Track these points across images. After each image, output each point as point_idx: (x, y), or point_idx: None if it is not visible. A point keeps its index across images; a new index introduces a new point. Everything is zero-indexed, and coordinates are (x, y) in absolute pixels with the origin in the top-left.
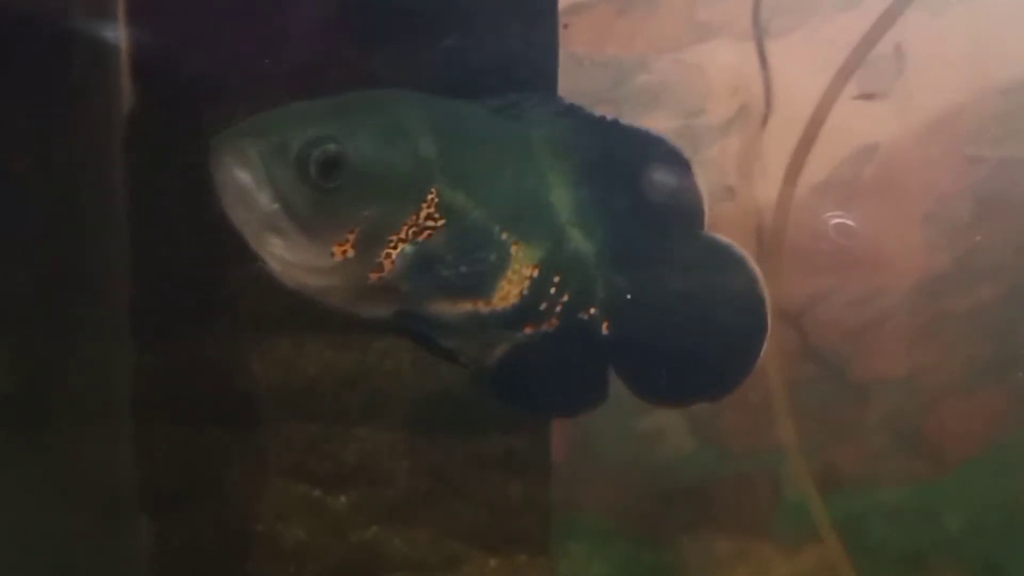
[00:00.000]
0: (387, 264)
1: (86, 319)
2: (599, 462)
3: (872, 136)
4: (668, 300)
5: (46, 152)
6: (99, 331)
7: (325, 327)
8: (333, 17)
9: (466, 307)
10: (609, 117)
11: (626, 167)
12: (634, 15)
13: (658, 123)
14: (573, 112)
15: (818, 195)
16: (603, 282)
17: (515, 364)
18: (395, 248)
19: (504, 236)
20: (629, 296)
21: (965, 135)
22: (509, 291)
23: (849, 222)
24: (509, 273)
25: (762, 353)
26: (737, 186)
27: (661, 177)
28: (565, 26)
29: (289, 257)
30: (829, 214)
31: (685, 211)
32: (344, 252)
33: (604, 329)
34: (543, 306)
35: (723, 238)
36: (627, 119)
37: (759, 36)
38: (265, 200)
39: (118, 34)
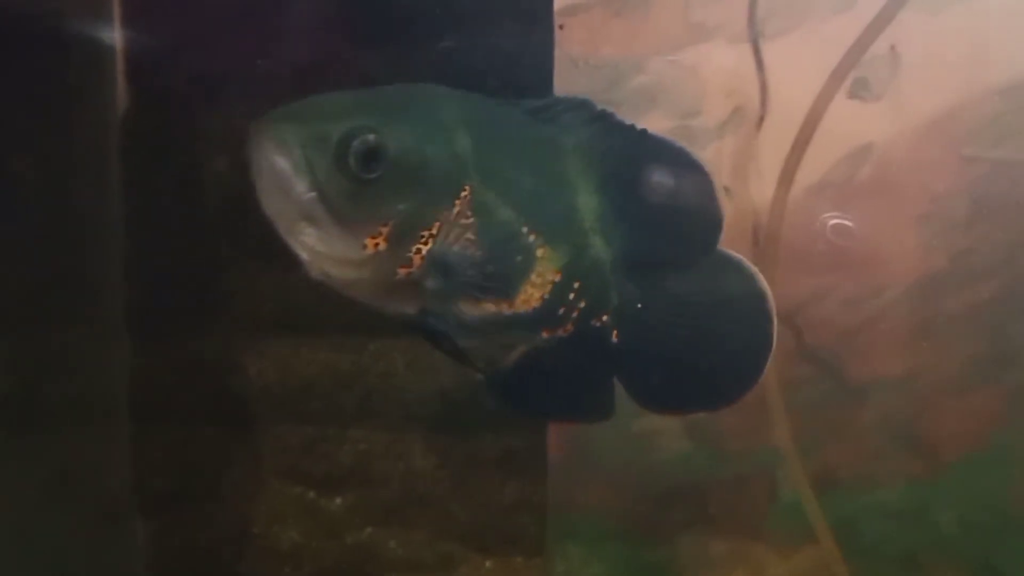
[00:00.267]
0: (416, 260)
1: (82, 320)
2: (595, 463)
3: (867, 137)
4: (677, 312)
5: (43, 153)
6: (95, 332)
7: (321, 329)
8: (329, 18)
9: (488, 308)
10: (638, 126)
11: (650, 178)
12: (629, 16)
13: (654, 124)
14: (604, 119)
15: (813, 196)
16: (616, 290)
17: (527, 369)
18: (426, 244)
19: (531, 239)
20: (640, 305)
21: (960, 136)
22: (531, 294)
23: (845, 222)
24: (533, 276)
25: (766, 369)
26: (732, 187)
27: (682, 190)
28: (561, 27)
29: (320, 248)
30: (827, 215)
31: (703, 225)
32: (376, 245)
33: (613, 337)
34: (561, 311)
35: (735, 253)
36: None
37: (755, 38)
38: (302, 188)
39: (114, 36)
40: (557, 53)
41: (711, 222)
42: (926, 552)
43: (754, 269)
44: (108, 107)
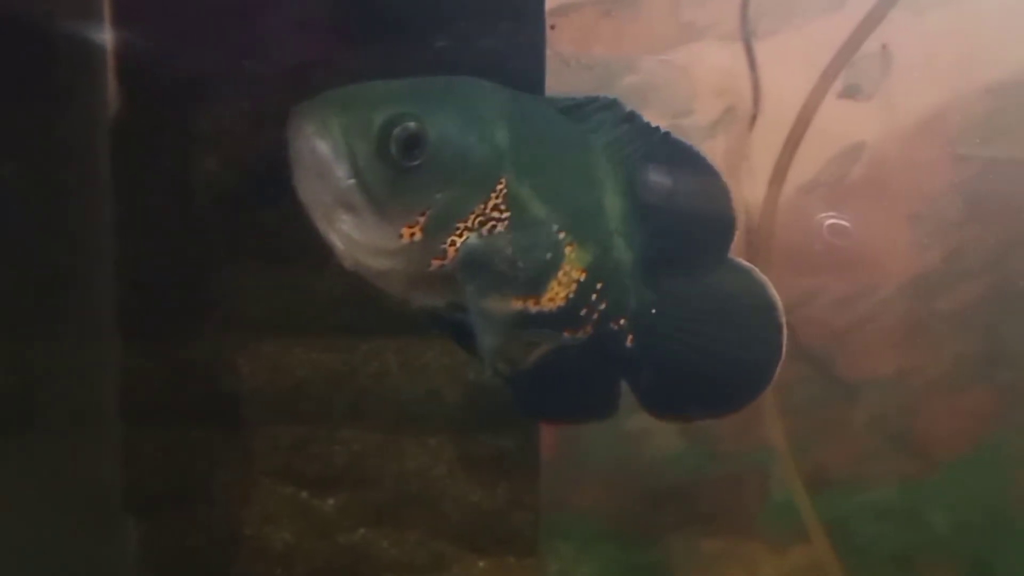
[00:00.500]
0: (450, 251)
1: (73, 321)
2: (588, 462)
3: (859, 136)
4: (690, 319)
5: (33, 154)
6: (86, 333)
7: (313, 329)
8: (320, 18)
9: (516, 305)
10: (662, 129)
11: (671, 182)
12: (620, 16)
13: None
14: (632, 120)
15: (805, 195)
16: (634, 294)
17: (547, 371)
18: (460, 236)
19: (561, 236)
20: (654, 311)
21: (952, 134)
22: (557, 292)
23: (842, 222)
24: (560, 274)
25: (774, 379)
26: None
27: (700, 196)
28: (552, 27)
29: (356, 236)
30: (822, 215)
31: (717, 233)
32: (412, 235)
33: (628, 341)
34: (583, 312)
35: (746, 263)
36: None
37: (747, 37)
38: (342, 174)
39: (105, 36)
40: (549, 53)
41: (724, 229)
42: (919, 551)
43: (765, 279)
44: (99, 107)
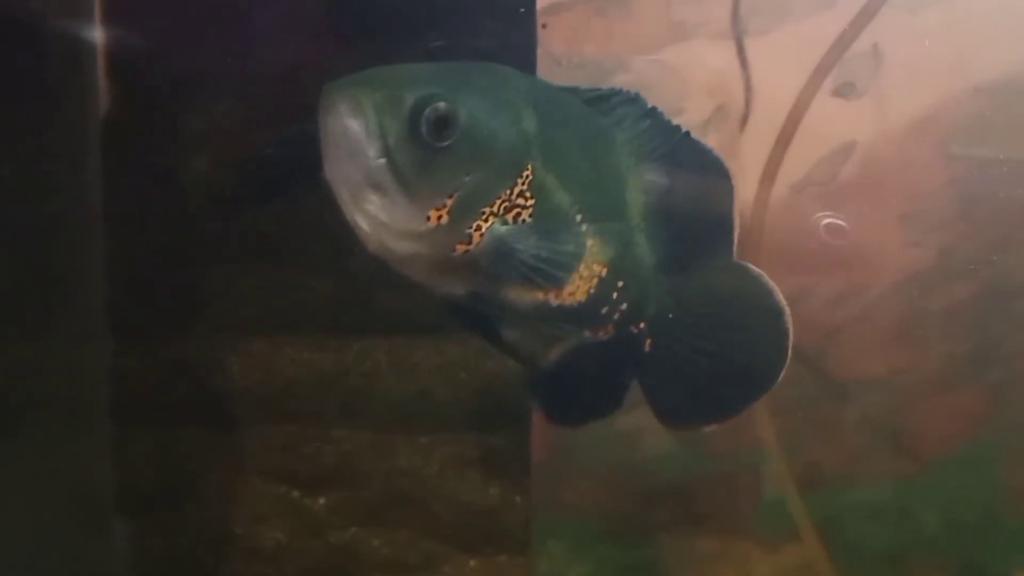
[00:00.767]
0: (476, 236)
1: (62, 320)
2: (580, 462)
3: (850, 135)
4: (703, 324)
5: (23, 153)
6: (76, 332)
7: (304, 329)
8: (311, 18)
9: (536, 297)
10: (683, 128)
11: (688, 183)
12: (612, 15)
13: None
14: (654, 116)
15: (796, 194)
16: (654, 297)
17: (567, 369)
18: (486, 221)
19: (583, 227)
20: (671, 316)
21: (943, 134)
22: (578, 286)
23: (835, 221)
24: (581, 268)
25: (777, 383)
26: None
27: (713, 199)
28: (544, 26)
29: (384, 217)
30: (819, 214)
31: (723, 237)
32: (439, 218)
33: (647, 346)
34: (604, 310)
35: (755, 268)
36: None
37: (739, 36)
38: (373, 153)
39: (95, 35)
40: (540, 52)
41: (728, 234)
42: (910, 550)
43: (773, 284)
44: (89, 106)
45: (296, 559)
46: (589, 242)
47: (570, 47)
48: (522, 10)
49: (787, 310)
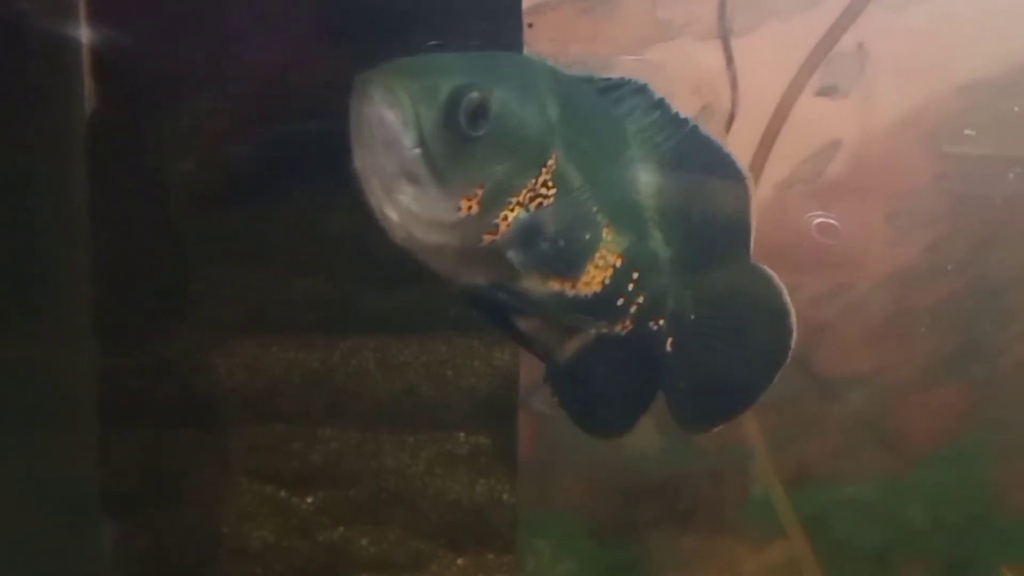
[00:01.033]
0: (502, 226)
1: (48, 321)
2: (566, 460)
3: (835, 133)
4: (723, 326)
5: (7, 154)
6: (61, 333)
7: (290, 328)
8: (297, 19)
9: (553, 287)
10: (692, 121)
11: (700, 177)
12: (597, 14)
13: None
14: (662, 107)
15: (781, 192)
16: (673, 294)
17: (586, 364)
18: (512, 211)
19: (599, 217)
20: (693, 316)
21: (928, 132)
22: (594, 276)
23: (827, 220)
24: (597, 257)
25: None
26: None
27: (727, 196)
28: (530, 25)
29: (415, 208)
30: (810, 214)
31: (740, 235)
32: (469, 208)
33: (668, 345)
34: (620, 302)
35: (766, 268)
36: None
37: (725, 35)
38: (409, 143)
39: (80, 35)
40: (526, 51)
41: (744, 232)
42: (895, 546)
43: (782, 285)
44: (74, 107)
45: (284, 559)
46: (604, 232)
47: (556, 47)
48: (508, 10)
49: (792, 310)
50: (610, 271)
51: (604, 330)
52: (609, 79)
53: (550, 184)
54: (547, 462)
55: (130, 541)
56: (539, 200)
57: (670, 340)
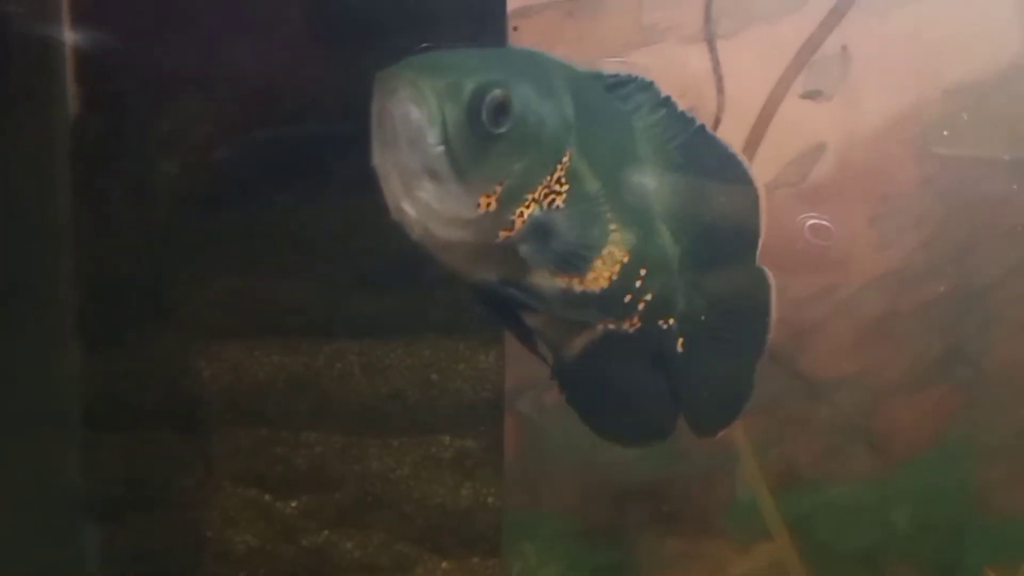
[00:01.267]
0: (518, 223)
1: (32, 325)
2: (552, 462)
3: (820, 136)
4: (729, 326)
5: None
6: (45, 336)
7: (274, 331)
8: (282, 21)
9: (561, 282)
10: (698, 121)
11: (707, 177)
12: (582, 18)
13: None
14: (668, 105)
15: (767, 195)
16: (683, 293)
17: (594, 361)
18: (528, 207)
19: (608, 212)
20: (703, 317)
21: (913, 135)
22: (601, 272)
23: (816, 222)
24: (605, 254)
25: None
26: None
27: (735, 196)
28: (515, 29)
29: (436, 205)
30: (803, 215)
31: (748, 236)
32: (488, 205)
33: (679, 345)
34: (627, 298)
35: (770, 274)
36: None
37: (711, 38)
38: (433, 140)
39: (64, 37)
40: None
41: (753, 234)
42: (881, 548)
43: (772, 283)
44: (57, 109)
45: (268, 563)
46: (612, 227)
47: (541, 50)
48: (493, 13)
49: (773, 308)
50: (618, 267)
51: (612, 327)
52: (617, 75)
53: (563, 181)
54: (533, 465)
55: (114, 545)
56: (552, 197)
57: (681, 340)
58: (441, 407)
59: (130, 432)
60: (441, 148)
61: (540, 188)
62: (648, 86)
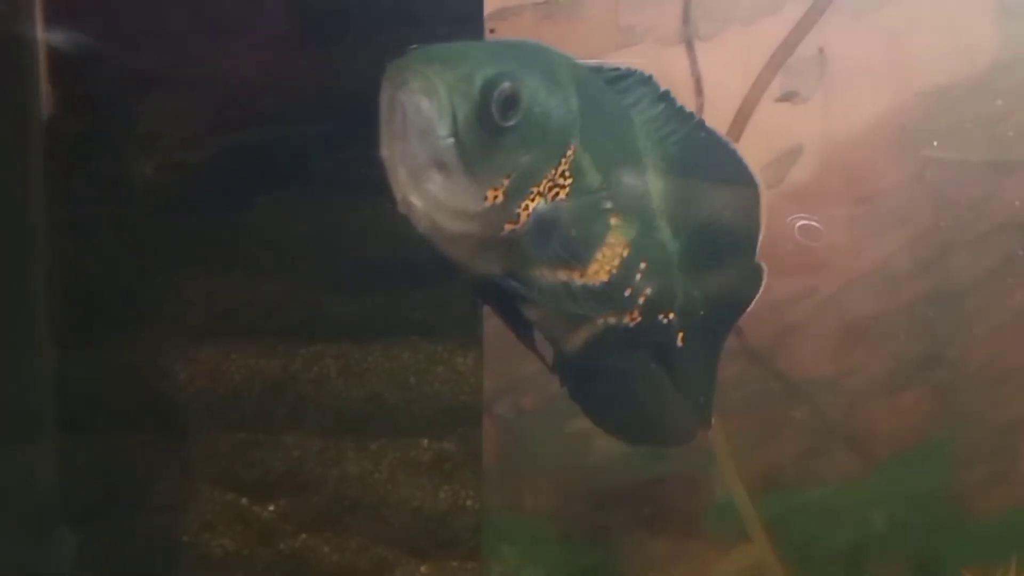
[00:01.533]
0: (523, 216)
1: (5, 328)
2: (531, 464)
3: (797, 138)
4: (726, 321)
5: None
6: (19, 340)
7: (251, 334)
8: (259, 23)
9: (561, 276)
10: (697, 116)
11: (707, 172)
12: (559, 20)
13: None
14: (667, 99)
15: None
16: (682, 288)
17: (596, 356)
18: (533, 200)
19: (608, 205)
20: (703, 312)
21: (890, 137)
22: (601, 265)
23: (805, 223)
24: (605, 247)
25: None
26: None
27: (735, 192)
28: (492, 31)
29: (443, 197)
30: (792, 217)
31: (748, 233)
32: (495, 198)
33: (679, 340)
34: (627, 292)
35: (764, 265)
36: None
37: (690, 39)
38: (443, 132)
39: (37, 37)
40: None
41: (753, 232)
42: (860, 549)
43: (765, 278)
44: (31, 111)
45: (246, 567)
46: (612, 221)
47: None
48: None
49: (752, 303)
50: (617, 261)
51: (612, 321)
52: (618, 68)
53: (567, 174)
54: (512, 468)
55: (90, 550)
56: (557, 191)
57: (680, 335)
58: (419, 410)
59: (106, 435)
60: (451, 140)
61: (545, 182)
62: (647, 80)
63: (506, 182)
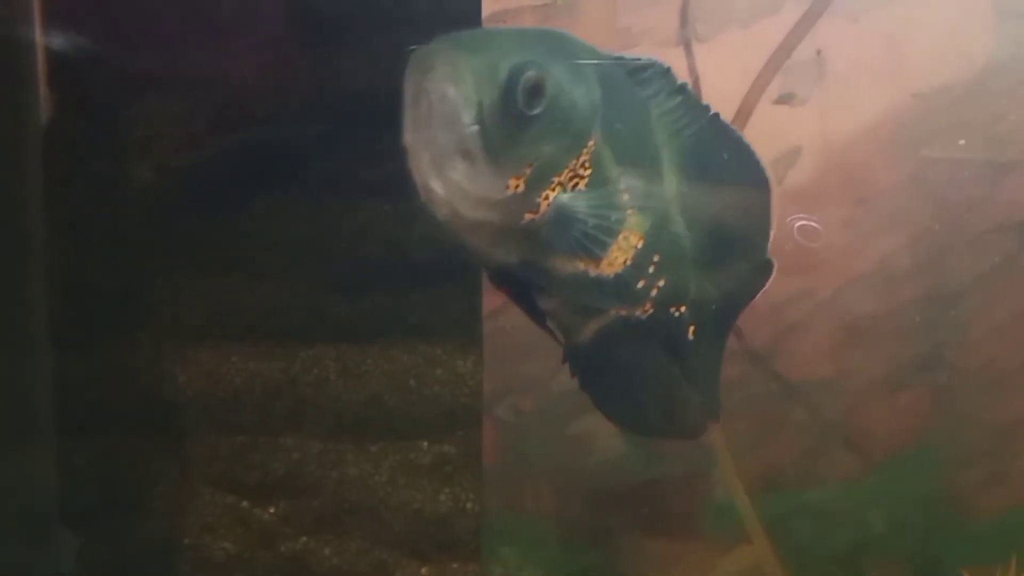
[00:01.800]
0: (543, 205)
1: (3, 330)
2: (531, 467)
3: (795, 140)
4: (735, 316)
5: None
6: (17, 342)
7: (250, 337)
8: (257, 25)
9: (577, 266)
10: (712, 109)
11: (721, 166)
12: (557, 22)
13: None
14: (684, 92)
15: None
16: (695, 282)
17: (607, 347)
18: (553, 190)
19: (625, 197)
20: (715, 307)
21: (887, 138)
22: (616, 257)
23: (805, 223)
24: (620, 239)
25: None
26: None
27: (748, 186)
28: None
29: (466, 185)
30: (792, 217)
31: (760, 228)
32: (517, 186)
33: (690, 334)
34: (640, 284)
35: (774, 260)
36: None
37: (687, 41)
38: (468, 119)
39: (35, 39)
40: None
41: (764, 228)
42: (859, 550)
43: (773, 274)
44: (29, 113)
45: (246, 569)
46: (628, 212)
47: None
48: (467, 17)
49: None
50: (632, 253)
51: (624, 313)
52: (638, 59)
53: (588, 165)
54: (512, 470)
55: (88, 552)
56: (576, 180)
57: (692, 328)
58: (419, 412)
59: (105, 438)
60: (476, 128)
61: (566, 172)
62: (666, 72)
63: (528, 171)
